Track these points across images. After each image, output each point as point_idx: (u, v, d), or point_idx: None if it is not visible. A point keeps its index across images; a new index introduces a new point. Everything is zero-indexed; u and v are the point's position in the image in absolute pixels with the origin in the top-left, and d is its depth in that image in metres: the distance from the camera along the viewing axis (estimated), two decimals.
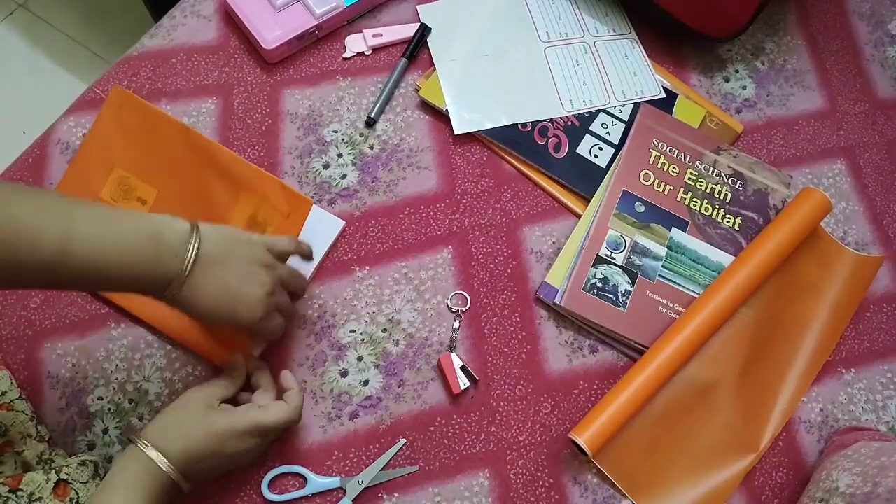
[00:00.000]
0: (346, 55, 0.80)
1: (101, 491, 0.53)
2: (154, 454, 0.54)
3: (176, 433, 0.56)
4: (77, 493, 0.55)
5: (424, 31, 0.80)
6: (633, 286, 0.70)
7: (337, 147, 0.76)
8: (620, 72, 0.81)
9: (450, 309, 0.70)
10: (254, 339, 0.66)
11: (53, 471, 0.55)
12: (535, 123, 0.77)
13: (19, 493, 0.52)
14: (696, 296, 0.70)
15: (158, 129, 0.70)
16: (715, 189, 0.75)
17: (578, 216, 0.75)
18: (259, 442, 0.59)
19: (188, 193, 0.69)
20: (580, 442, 0.63)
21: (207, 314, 0.55)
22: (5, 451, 0.57)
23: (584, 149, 0.77)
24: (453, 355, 0.67)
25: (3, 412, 0.60)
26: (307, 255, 0.65)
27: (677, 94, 0.81)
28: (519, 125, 0.77)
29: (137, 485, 0.53)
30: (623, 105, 0.80)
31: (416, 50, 0.80)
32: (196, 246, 0.53)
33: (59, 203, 0.50)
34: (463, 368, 0.67)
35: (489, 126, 0.76)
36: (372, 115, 0.76)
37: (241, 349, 0.65)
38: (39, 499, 0.53)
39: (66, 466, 0.56)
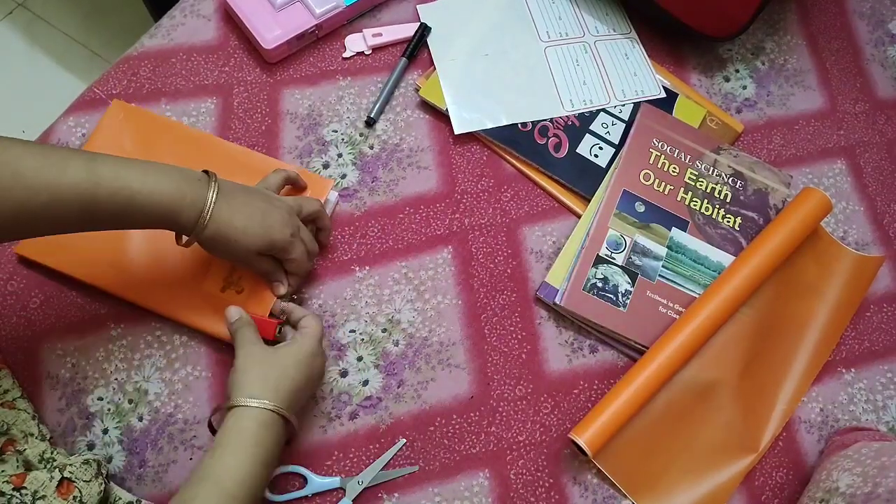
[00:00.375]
0: (346, 55, 0.79)
1: (212, 452, 0.53)
2: (253, 401, 0.55)
3: (259, 381, 0.56)
4: (80, 492, 0.55)
5: (424, 30, 0.80)
6: (633, 286, 0.70)
7: (337, 147, 0.76)
8: (621, 71, 0.81)
9: None
10: (277, 282, 0.66)
11: (57, 469, 0.55)
12: (535, 123, 0.77)
13: (23, 492, 0.52)
14: (696, 296, 0.70)
15: (163, 133, 0.72)
16: (715, 189, 0.75)
17: (578, 216, 0.75)
18: (322, 358, 0.61)
19: None
20: (580, 442, 0.63)
21: (243, 235, 0.58)
22: (7, 449, 0.57)
23: (584, 148, 0.77)
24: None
25: (6, 410, 0.60)
26: (328, 228, 0.69)
27: (677, 94, 0.81)
28: (519, 125, 0.77)
29: (249, 437, 0.54)
30: (623, 105, 0.80)
31: (416, 50, 0.79)
32: (216, 180, 0.57)
33: (76, 151, 0.54)
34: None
35: (489, 126, 0.76)
36: (372, 115, 0.76)
37: (260, 306, 0.66)
38: (43, 497, 0.53)
39: (70, 465, 0.56)
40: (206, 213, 0.56)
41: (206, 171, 0.59)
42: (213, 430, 0.59)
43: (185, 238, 0.59)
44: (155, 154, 0.70)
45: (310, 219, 0.66)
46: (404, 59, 0.79)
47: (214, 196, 0.56)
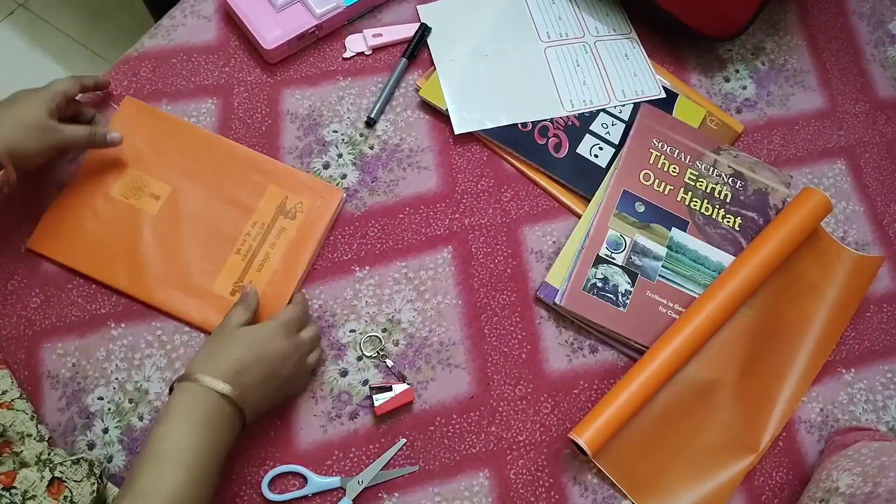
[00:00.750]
0: (347, 55, 0.80)
1: (156, 426, 0.55)
2: (204, 378, 0.56)
3: (216, 357, 0.58)
4: (71, 492, 0.55)
5: (424, 31, 0.80)
6: (633, 286, 0.70)
7: (337, 147, 0.76)
8: (621, 72, 0.81)
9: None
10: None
11: (48, 468, 0.55)
12: (535, 123, 0.77)
13: (13, 491, 0.52)
14: (696, 296, 0.70)
15: (173, 132, 0.73)
16: (715, 189, 0.75)
17: (578, 216, 0.75)
18: (292, 348, 0.61)
19: (206, 189, 0.71)
20: (580, 442, 0.63)
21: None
22: (3, 451, 0.57)
23: (584, 149, 0.77)
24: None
25: (4, 411, 0.60)
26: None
27: (677, 94, 0.81)
28: (519, 125, 0.77)
29: (193, 411, 0.55)
30: (623, 105, 0.80)
31: (416, 50, 0.80)
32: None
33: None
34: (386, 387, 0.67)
35: (489, 126, 0.76)
36: (372, 115, 0.76)
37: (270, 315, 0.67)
38: (33, 497, 0.53)
39: (61, 465, 0.56)
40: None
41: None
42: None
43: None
44: (164, 151, 0.72)
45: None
46: (404, 59, 0.79)
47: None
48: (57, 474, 0.55)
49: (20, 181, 0.63)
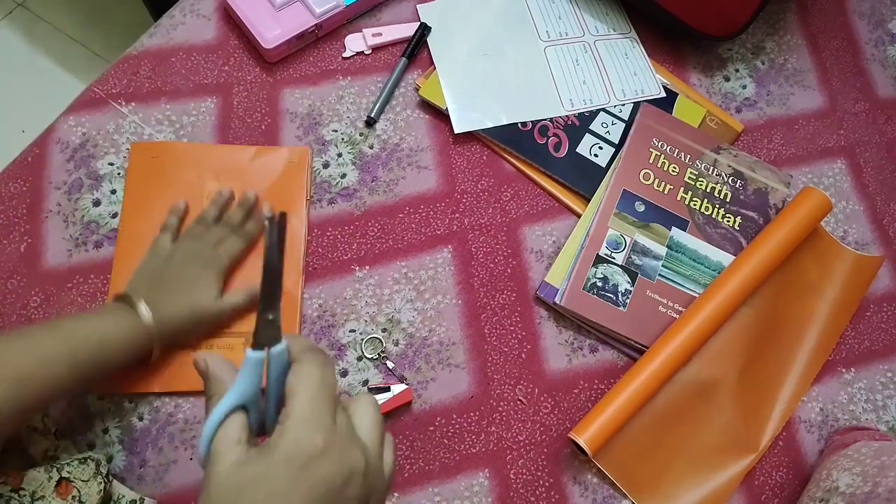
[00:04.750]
0: (346, 54, 0.79)
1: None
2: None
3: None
4: (79, 492, 0.55)
5: (424, 30, 0.80)
6: (633, 286, 0.70)
7: (337, 146, 0.76)
8: (620, 71, 0.81)
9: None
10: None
11: (55, 468, 0.55)
12: (535, 123, 0.77)
13: (21, 493, 0.52)
14: (696, 295, 0.70)
15: (182, 158, 0.72)
16: (715, 188, 0.75)
17: (578, 216, 0.75)
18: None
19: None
20: (580, 442, 0.63)
21: (177, 325, 0.62)
22: (10, 447, 0.57)
23: (584, 148, 0.77)
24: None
25: None
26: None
27: (677, 94, 0.81)
28: (519, 124, 0.77)
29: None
30: (623, 104, 0.79)
31: (415, 49, 0.79)
32: (127, 295, 0.60)
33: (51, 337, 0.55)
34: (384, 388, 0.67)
35: (489, 125, 0.76)
36: (372, 115, 0.76)
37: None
38: (42, 497, 0.53)
39: (68, 465, 0.56)
40: (149, 329, 0.59)
41: (119, 296, 0.60)
42: None
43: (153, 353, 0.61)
44: (181, 180, 0.71)
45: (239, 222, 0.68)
46: (404, 58, 0.79)
47: (145, 312, 0.59)
48: (65, 474, 0.55)
49: None
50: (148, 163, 0.72)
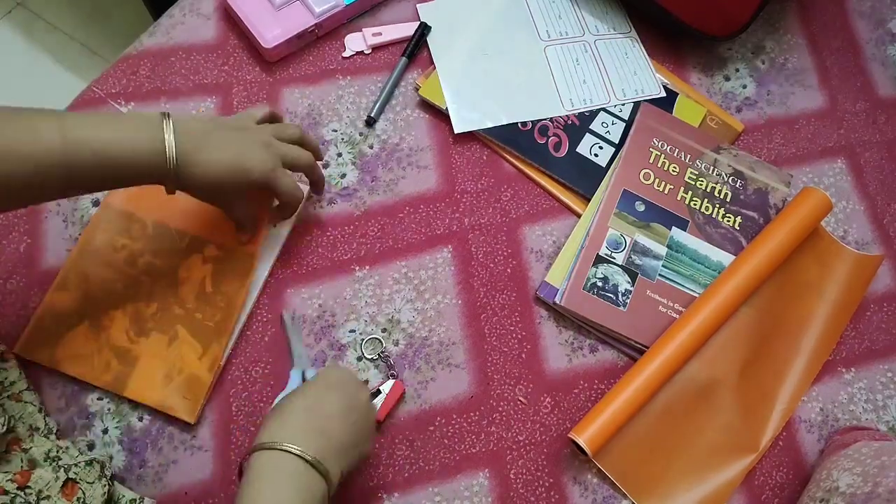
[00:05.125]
0: (346, 54, 0.79)
1: (238, 496, 0.50)
2: (283, 445, 0.51)
3: (284, 423, 0.53)
4: (84, 493, 0.55)
5: (424, 29, 0.80)
6: (633, 286, 0.70)
7: (336, 146, 0.76)
8: (621, 70, 0.81)
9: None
10: (273, 219, 0.70)
11: (62, 469, 0.55)
12: (535, 122, 0.77)
13: (27, 491, 0.52)
14: (696, 295, 0.70)
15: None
16: (715, 188, 0.75)
17: (578, 215, 0.75)
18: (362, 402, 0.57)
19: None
20: (580, 442, 0.63)
21: (216, 171, 0.57)
22: (12, 447, 0.57)
23: (584, 148, 0.77)
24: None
25: (12, 403, 0.60)
26: (314, 146, 0.67)
27: (678, 93, 0.81)
28: (519, 124, 0.77)
29: (284, 480, 0.50)
30: (623, 104, 0.79)
31: (415, 49, 0.79)
32: (168, 117, 0.55)
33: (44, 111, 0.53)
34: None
35: (489, 125, 0.76)
36: (372, 115, 0.76)
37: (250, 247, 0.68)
38: (48, 497, 0.53)
39: (75, 465, 0.56)
40: (170, 154, 0.54)
41: (162, 113, 0.56)
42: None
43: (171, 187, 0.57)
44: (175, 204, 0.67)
45: (292, 142, 0.64)
46: (404, 58, 0.79)
47: (171, 135, 0.54)
48: (71, 475, 0.55)
49: None
50: None
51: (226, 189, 0.59)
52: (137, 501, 0.60)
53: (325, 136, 0.76)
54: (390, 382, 0.66)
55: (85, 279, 0.67)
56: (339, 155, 0.75)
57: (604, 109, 0.79)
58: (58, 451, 0.59)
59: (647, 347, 0.68)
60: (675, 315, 0.70)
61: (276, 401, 0.60)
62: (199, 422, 0.65)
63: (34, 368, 0.65)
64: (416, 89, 0.78)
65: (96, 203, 0.71)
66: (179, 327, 0.66)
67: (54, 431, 0.61)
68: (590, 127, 0.78)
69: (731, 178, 0.76)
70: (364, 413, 0.57)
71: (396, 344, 0.69)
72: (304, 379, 0.65)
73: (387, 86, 0.77)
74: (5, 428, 0.56)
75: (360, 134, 0.77)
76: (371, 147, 0.76)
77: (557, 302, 0.69)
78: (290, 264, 0.71)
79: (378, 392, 0.66)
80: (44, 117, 0.53)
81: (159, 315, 0.66)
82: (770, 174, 0.77)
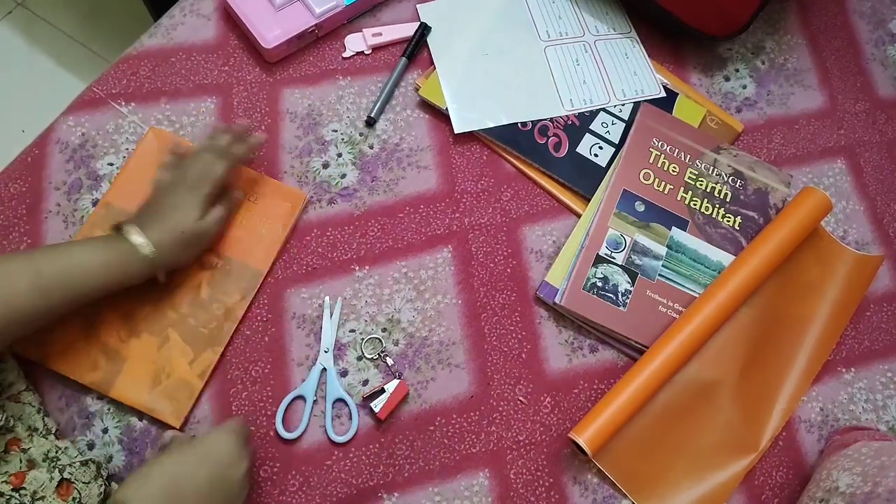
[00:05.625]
0: (346, 54, 0.79)
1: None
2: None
3: (145, 483, 0.54)
4: (79, 493, 0.55)
5: (424, 30, 0.80)
6: (633, 286, 0.70)
7: (336, 146, 0.76)
8: (620, 71, 0.81)
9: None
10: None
11: (57, 469, 0.55)
12: (535, 122, 0.77)
13: (22, 492, 0.52)
14: (696, 295, 0.70)
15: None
16: (715, 188, 0.75)
17: (578, 215, 0.75)
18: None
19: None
20: (580, 442, 0.63)
21: (166, 248, 0.62)
22: (11, 448, 0.57)
23: (584, 148, 0.77)
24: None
25: (11, 403, 0.60)
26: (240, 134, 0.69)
27: (677, 94, 0.81)
28: (519, 124, 0.77)
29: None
30: (623, 104, 0.79)
31: (416, 49, 0.79)
32: (130, 227, 0.61)
33: (18, 256, 0.58)
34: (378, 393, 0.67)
35: (489, 125, 0.76)
36: (372, 115, 0.76)
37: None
38: (42, 497, 0.53)
39: (70, 466, 0.56)
40: (146, 253, 0.60)
41: (113, 227, 0.62)
42: None
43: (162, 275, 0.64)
44: None
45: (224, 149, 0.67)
46: (404, 58, 0.79)
47: (138, 237, 0.60)
48: (66, 475, 0.55)
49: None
50: (158, 150, 0.72)
51: (201, 245, 0.66)
52: None
53: (325, 137, 0.76)
54: (395, 382, 0.66)
55: None
56: (340, 155, 0.76)
57: (604, 110, 0.79)
58: (57, 452, 0.59)
59: (647, 347, 0.68)
60: (675, 315, 0.70)
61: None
62: (199, 421, 0.65)
63: (34, 368, 0.65)
64: (416, 90, 0.78)
65: (96, 203, 0.71)
66: (171, 331, 0.66)
67: (53, 431, 0.61)
68: (590, 127, 0.78)
69: (730, 179, 0.76)
70: (231, 493, 0.56)
71: (396, 344, 0.69)
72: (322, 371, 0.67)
73: (387, 86, 0.77)
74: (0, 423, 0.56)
75: (361, 134, 0.77)
76: (371, 147, 0.76)
77: (557, 302, 0.69)
78: (290, 264, 0.71)
79: (382, 391, 0.66)
80: (16, 264, 0.56)
81: (151, 317, 0.66)
82: (770, 174, 0.77)
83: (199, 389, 0.65)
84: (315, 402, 0.67)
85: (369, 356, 0.68)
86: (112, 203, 0.70)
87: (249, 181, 0.72)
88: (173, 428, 0.64)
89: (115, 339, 0.65)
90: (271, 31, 0.76)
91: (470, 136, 0.77)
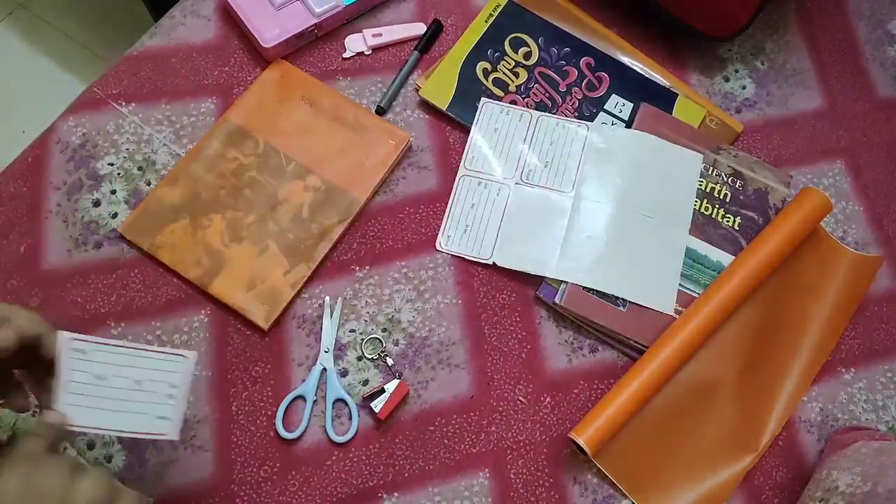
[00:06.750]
0: (346, 55, 0.79)
1: None
2: None
3: None
4: None
5: (438, 27, 0.80)
6: None
7: None
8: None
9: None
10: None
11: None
12: None
13: None
14: (696, 296, 0.70)
15: (313, 96, 0.76)
16: (715, 189, 0.75)
17: None
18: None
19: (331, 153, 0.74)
20: (580, 442, 0.63)
21: None
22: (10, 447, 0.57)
23: None
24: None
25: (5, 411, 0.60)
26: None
27: (677, 94, 0.81)
28: None
29: None
30: (623, 104, 0.79)
31: (429, 44, 0.80)
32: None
33: None
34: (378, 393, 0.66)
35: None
36: (382, 105, 0.76)
37: None
38: None
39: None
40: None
41: None
42: None
43: None
44: (286, 116, 0.75)
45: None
46: (416, 52, 0.79)
47: None
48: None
49: None
50: (280, 80, 0.76)
51: None
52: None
53: None
54: (395, 382, 0.66)
55: (193, 180, 0.72)
56: None
57: (604, 110, 0.79)
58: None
59: (647, 347, 0.68)
60: (674, 315, 0.70)
61: None
62: (199, 420, 0.65)
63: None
64: (417, 90, 0.78)
65: (97, 203, 0.71)
66: (271, 242, 0.70)
67: None
68: None
69: (730, 179, 0.76)
70: None
71: (396, 344, 0.69)
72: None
73: (398, 76, 0.77)
74: None
75: None
76: None
77: (557, 302, 0.69)
78: None
79: (382, 391, 0.66)
80: None
81: (254, 226, 0.71)
82: (769, 175, 0.77)
83: (290, 298, 0.68)
84: (315, 402, 0.67)
85: (369, 356, 0.69)
86: (230, 118, 0.74)
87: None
88: (260, 329, 0.67)
89: (219, 242, 0.70)
90: (270, 31, 0.76)
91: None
